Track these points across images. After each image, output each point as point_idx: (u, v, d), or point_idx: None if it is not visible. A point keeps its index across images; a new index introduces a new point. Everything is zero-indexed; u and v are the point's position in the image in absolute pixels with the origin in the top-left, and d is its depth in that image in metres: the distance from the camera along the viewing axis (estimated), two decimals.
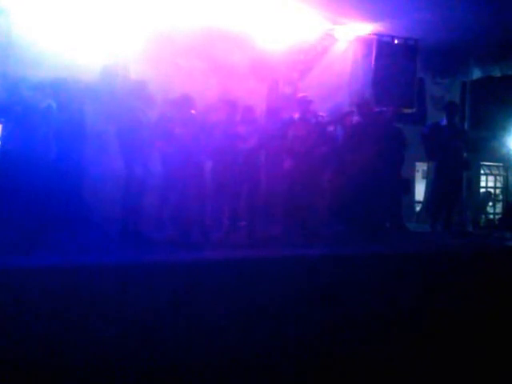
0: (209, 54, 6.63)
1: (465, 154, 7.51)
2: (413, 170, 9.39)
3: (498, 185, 12.72)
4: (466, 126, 8.18)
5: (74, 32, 6.16)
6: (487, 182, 12.55)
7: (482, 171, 12.29)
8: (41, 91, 5.51)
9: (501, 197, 12.56)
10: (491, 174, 12.65)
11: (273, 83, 7.26)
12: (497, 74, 8.73)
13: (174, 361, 3.46)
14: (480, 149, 9.17)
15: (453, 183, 7.04)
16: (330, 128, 6.57)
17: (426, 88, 8.88)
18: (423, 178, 10.07)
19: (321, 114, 6.53)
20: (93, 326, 3.35)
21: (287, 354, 3.63)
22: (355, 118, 6.72)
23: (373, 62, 7.63)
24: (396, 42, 7.71)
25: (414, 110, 8.00)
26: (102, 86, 5.67)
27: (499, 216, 11.68)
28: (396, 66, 7.68)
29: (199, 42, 6.50)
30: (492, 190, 12.51)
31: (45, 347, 3.16)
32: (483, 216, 11.35)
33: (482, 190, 12.33)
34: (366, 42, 7.73)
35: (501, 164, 12.60)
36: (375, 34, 7.61)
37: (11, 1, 6.12)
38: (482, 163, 12.08)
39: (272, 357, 3.53)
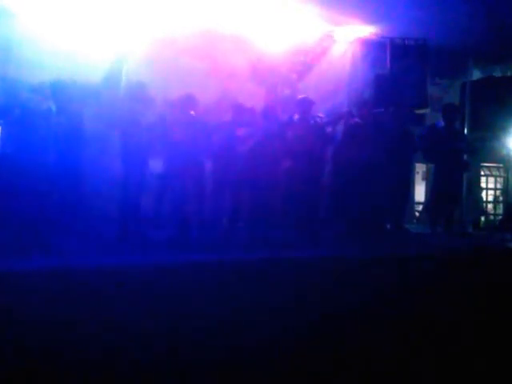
0: (208, 56, 6.63)
1: (464, 156, 7.51)
2: (412, 172, 9.38)
3: (499, 186, 12.69)
4: (465, 126, 8.18)
5: (73, 34, 6.17)
6: (487, 184, 12.52)
7: (481, 172, 12.26)
8: (40, 93, 5.51)
9: (501, 198, 12.54)
10: (491, 176, 12.62)
11: (272, 84, 7.26)
12: (497, 74, 8.72)
13: (173, 364, 3.45)
14: (480, 150, 9.15)
15: (452, 184, 7.03)
16: (329, 129, 6.57)
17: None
18: (423, 179, 10.07)
19: (319, 115, 6.54)
20: (91, 329, 3.34)
21: (286, 357, 3.62)
22: (354, 119, 6.73)
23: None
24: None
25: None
26: (102, 88, 5.68)
27: (499, 217, 11.66)
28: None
29: (199, 44, 6.51)
30: (484, 186, 12.44)
31: (42, 352, 3.15)
32: (483, 217, 11.33)
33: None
34: (366, 43, 7.75)
35: (501, 165, 12.56)
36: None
37: (11, 3, 6.13)
38: (481, 164, 12.05)
39: (271, 360, 3.52)
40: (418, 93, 7.78)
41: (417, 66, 7.73)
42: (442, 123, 7.12)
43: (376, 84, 7.67)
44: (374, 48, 7.69)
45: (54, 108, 5.52)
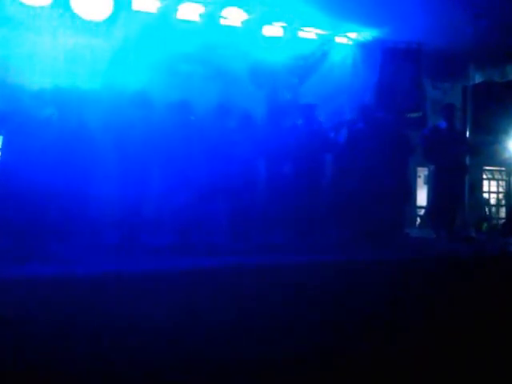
0: (208, 60, 6.65)
1: (466, 158, 7.48)
2: (414, 176, 9.37)
3: (501, 189, 12.66)
4: (467, 130, 8.16)
5: (73, 39, 6.18)
6: (490, 187, 12.50)
7: (484, 176, 12.24)
8: (41, 100, 5.52)
9: (503, 201, 12.51)
10: (493, 179, 12.60)
11: (273, 89, 7.27)
12: (498, 78, 8.71)
13: (174, 370, 3.44)
14: (482, 153, 9.14)
15: (453, 187, 6.99)
16: (332, 134, 6.57)
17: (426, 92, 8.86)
18: (424, 183, 10.05)
19: (322, 119, 6.54)
20: (91, 338, 3.33)
21: (286, 361, 3.61)
22: (357, 124, 6.72)
23: (378, 68, 7.63)
24: (400, 46, 7.70)
25: (421, 114, 7.96)
26: (103, 94, 5.70)
27: (502, 221, 11.63)
28: (400, 70, 7.67)
29: (198, 48, 6.52)
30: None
31: (40, 362, 3.14)
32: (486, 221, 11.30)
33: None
34: (367, 47, 7.74)
35: (503, 168, 12.56)
36: (379, 40, 7.63)
37: (12, 10, 6.15)
38: (484, 168, 12.04)
39: (271, 365, 3.50)
40: (411, 97, 7.74)
41: (409, 70, 7.67)
42: (444, 124, 7.09)
43: (374, 88, 7.65)
44: (373, 52, 7.68)
45: (55, 114, 5.52)
